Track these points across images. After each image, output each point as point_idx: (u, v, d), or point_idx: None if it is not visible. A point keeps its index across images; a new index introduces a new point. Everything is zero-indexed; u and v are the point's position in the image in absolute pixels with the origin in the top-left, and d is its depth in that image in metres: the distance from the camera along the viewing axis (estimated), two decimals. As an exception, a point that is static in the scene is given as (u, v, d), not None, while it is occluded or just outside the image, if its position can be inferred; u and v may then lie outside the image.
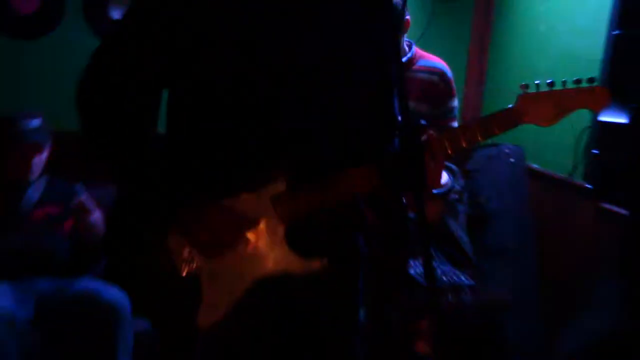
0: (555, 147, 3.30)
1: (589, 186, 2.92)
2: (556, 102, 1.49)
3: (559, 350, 2.82)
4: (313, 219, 1.62)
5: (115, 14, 3.19)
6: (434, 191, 2.62)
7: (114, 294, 2.55)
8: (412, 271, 2.86)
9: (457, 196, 3.32)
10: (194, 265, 1.64)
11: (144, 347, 2.63)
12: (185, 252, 1.63)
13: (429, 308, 2.67)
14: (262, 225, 1.61)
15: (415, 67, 2.72)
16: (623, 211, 2.77)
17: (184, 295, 1.67)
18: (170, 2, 1.49)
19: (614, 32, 2.72)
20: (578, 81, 1.49)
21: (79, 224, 2.62)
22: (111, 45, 1.55)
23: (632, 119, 2.61)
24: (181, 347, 1.80)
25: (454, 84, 2.79)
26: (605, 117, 2.73)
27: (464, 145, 1.54)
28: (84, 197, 2.62)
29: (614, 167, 2.76)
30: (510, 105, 1.51)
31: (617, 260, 2.68)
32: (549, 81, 1.50)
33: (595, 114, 2.67)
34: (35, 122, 2.69)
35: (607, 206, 2.88)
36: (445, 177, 2.71)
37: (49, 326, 2.58)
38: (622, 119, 2.66)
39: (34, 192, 2.73)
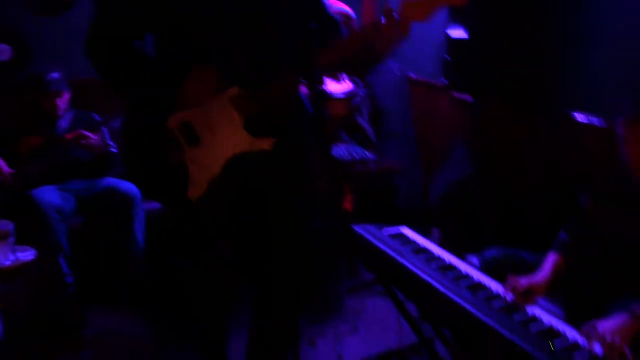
0: (423, 58, 4.29)
1: (445, 82, 3.77)
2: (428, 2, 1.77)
3: (432, 194, 3.88)
4: (262, 112, 2.03)
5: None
6: (342, 95, 3.71)
7: (129, 186, 3.61)
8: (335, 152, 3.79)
9: (360, 99, 4.19)
10: (182, 153, 2.03)
11: (154, 220, 3.70)
12: (174, 146, 2.02)
13: (348, 176, 3.69)
14: (225, 119, 2.01)
15: None
16: (469, 99, 3.72)
17: (177, 178, 2.05)
18: None
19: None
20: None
21: (85, 144, 3.61)
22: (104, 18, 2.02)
23: (470, 35, 3.57)
24: (185, 217, 2.33)
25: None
26: (452, 33, 3.65)
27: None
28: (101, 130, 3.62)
29: (461, 67, 3.58)
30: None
31: (466, 133, 3.78)
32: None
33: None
34: (55, 75, 3.63)
35: (458, 96, 3.85)
36: (351, 85, 3.78)
37: (86, 213, 3.62)
38: (464, 35, 3.60)
39: (64, 122, 3.73)
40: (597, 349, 1.86)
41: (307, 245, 2.34)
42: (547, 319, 2.18)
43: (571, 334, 2.04)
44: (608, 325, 1.90)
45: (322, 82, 3.54)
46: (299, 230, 2.31)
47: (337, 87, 3.65)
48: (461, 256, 2.79)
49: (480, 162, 3.47)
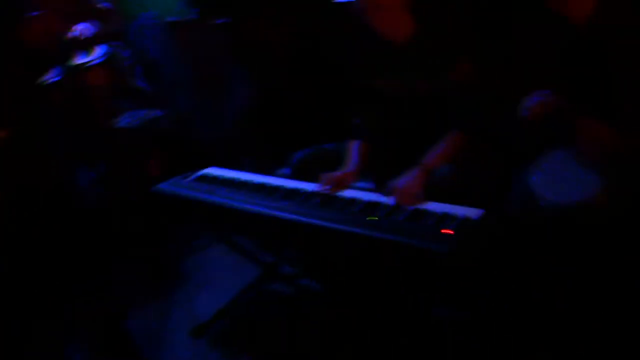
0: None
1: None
2: None
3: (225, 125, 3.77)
4: None
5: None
6: (98, 60, 3.43)
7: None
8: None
9: (127, 62, 3.83)
10: None
11: None
12: None
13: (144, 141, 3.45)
14: None
15: None
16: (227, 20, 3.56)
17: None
18: None
19: None
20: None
21: None
22: None
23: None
24: None
25: None
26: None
27: None
28: None
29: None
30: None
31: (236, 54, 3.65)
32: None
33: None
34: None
35: (218, 21, 3.60)
36: (102, 49, 3.50)
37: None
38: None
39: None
40: (397, 200, 2.08)
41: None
42: (364, 196, 2.21)
43: (382, 199, 2.15)
44: (404, 180, 2.15)
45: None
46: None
47: (87, 55, 3.38)
48: (271, 172, 2.76)
49: (260, 77, 3.39)
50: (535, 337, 2.11)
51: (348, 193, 2.26)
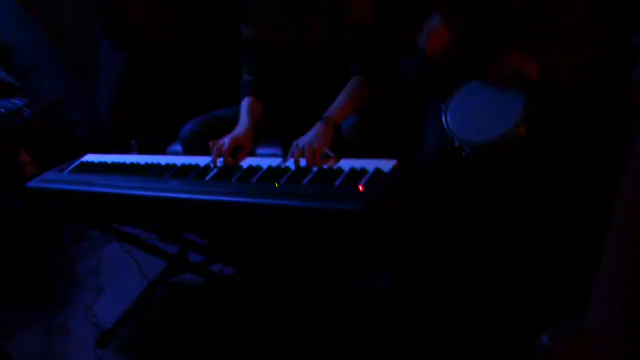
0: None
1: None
2: None
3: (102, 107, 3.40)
4: None
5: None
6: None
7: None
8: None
9: None
10: None
11: None
12: None
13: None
14: None
15: None
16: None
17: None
18: None
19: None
20: None
21: None
22: None
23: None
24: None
25: None
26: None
27: None
28: None
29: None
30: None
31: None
32: None
33: None
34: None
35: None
36: None
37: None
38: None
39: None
40: (303, 162, 1.88)
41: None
42: (266, 162, 1.96)
43: (283, 164, 1.92)
44: (307, 138, 1.95)
45: None
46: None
47: None
48: (163, 151, 2.48)
49: (131, 48, 3.02)
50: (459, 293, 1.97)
51: (246, 162, 2.02)
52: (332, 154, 1.87)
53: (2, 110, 3.11)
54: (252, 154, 2.18)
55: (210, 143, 2.05)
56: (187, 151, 2.28)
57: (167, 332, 2.42)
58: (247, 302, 2.39)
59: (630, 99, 1.65)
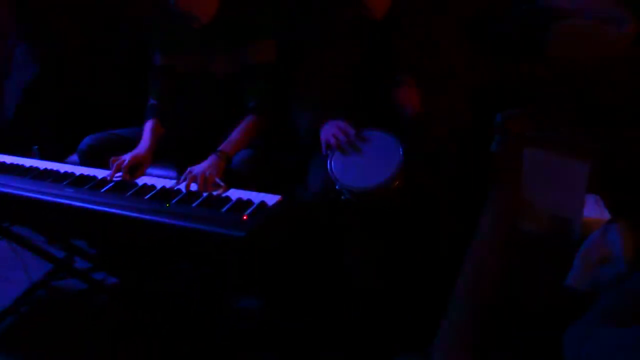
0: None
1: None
2: None
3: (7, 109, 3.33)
4: None
5: None
6: None
7: None
8: None
9: None
10: None
11: None
12: None
13: None
14: None
15: None
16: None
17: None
18: None
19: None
20: None
21: None
22: None
23: None
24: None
25: None
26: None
27: None
28: None
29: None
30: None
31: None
32: None
33: None
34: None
35: None
36: None
37: None
38: None
39: None
40: (194, 187, 2.02)
41: None
42: (160, 182, 2.11)
43: (176, 186, 2.06)
44: (201, 167, 2.09)
45: None
46: None
47: None
48: (62, 160, 2.54)
49: (46, 57, 3.05)
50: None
51: (141, 180, 2.15)
52: (222, 183, 2.02)
53: None
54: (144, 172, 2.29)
55: (112, 158, 2.16)
56: (84, 164, 2.35)
57: (43, 333, 2.46)
58: (125, 311, 2.48)
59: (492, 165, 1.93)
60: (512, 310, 1.73)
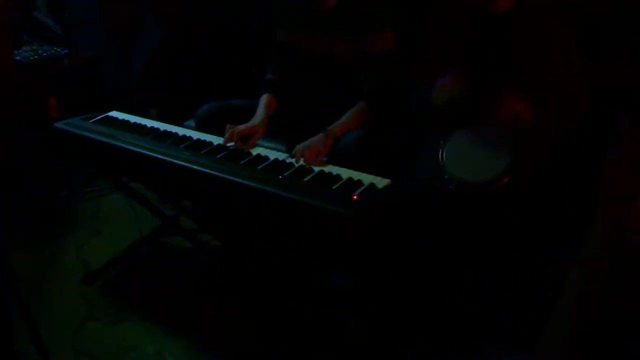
0: None
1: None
2: None
3: (134, 73, 3.56)
4: None
5: None
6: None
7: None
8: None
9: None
10: None
11: None
12: None
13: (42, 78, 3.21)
14: None
15: None
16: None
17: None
18: None
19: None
20: None
21: None
22: None
23: None
24: None
25: None
26: None
27: None
28: None
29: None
30: None
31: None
32: None
33: None
34: None
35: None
36: None
37: None
38: None
39: None
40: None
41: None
42: (272, 154, 2.17)
43: (288, 160, 2.12)
44: (308, 141, 2.16)
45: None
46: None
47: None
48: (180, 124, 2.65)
49: (171, 27, 3.23)
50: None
51: (255, 150, 2.21)
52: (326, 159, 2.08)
53: (44, 54, 3.30)
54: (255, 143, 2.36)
55: (228, 125, 2.24)
56: (200, 128, 2.44)
57: (148, 283, 2.62)
58: (225, 274, 2.58)
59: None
60: (621, 326, 1.67)
